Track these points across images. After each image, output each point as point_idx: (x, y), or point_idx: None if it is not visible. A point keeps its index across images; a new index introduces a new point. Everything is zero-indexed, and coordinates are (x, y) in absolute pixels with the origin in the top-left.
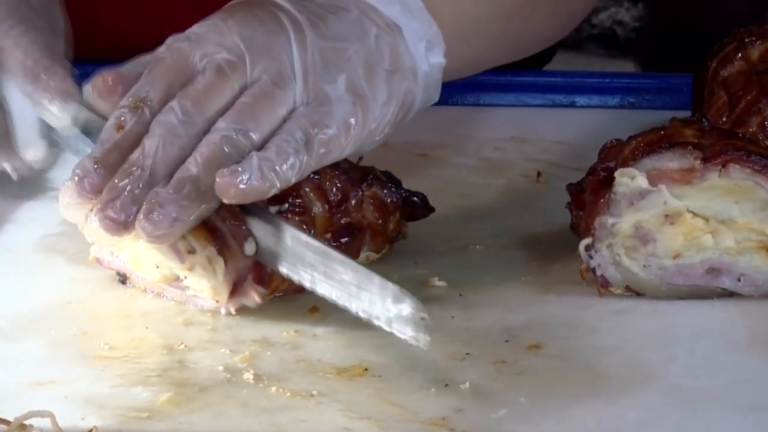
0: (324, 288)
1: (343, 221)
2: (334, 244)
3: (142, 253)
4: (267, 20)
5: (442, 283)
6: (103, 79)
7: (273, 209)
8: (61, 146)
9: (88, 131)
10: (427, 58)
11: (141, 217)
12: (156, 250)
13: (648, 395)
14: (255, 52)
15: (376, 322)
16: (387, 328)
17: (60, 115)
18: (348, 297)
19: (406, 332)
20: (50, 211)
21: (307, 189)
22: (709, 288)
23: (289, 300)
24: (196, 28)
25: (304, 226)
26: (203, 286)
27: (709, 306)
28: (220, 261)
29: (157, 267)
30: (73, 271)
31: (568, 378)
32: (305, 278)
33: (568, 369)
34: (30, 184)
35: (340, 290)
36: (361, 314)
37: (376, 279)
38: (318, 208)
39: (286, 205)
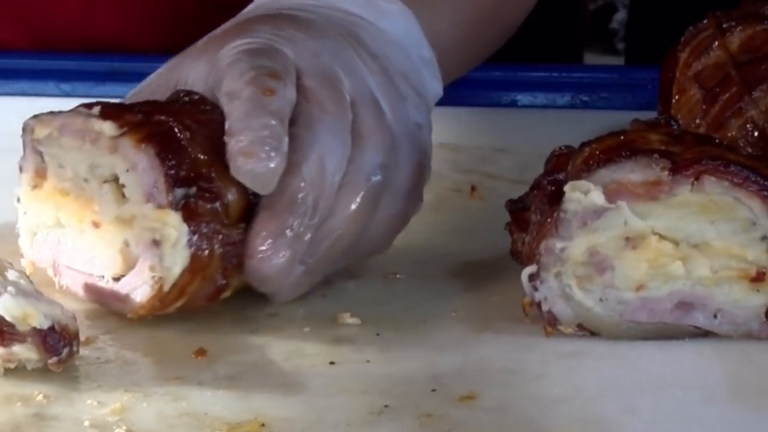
0: None
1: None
2: None
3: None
4: None
5: (354, 320)
6: None
7: (180, 192)
8: None
9: None
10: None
11: None
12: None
13: None
14: None
15: None
16: None
17: None
18: None
19: None
20: None
21: (217, 173)
22: (679, 326)
23: (170, 340)
24: None
25: (216, 216)
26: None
27: (678, 348)
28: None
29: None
30: None
31: None
32: None
33: (507, 424)
34: None
35: None
36: None
37: None
38: (233, 194)
39: (194, 189)
